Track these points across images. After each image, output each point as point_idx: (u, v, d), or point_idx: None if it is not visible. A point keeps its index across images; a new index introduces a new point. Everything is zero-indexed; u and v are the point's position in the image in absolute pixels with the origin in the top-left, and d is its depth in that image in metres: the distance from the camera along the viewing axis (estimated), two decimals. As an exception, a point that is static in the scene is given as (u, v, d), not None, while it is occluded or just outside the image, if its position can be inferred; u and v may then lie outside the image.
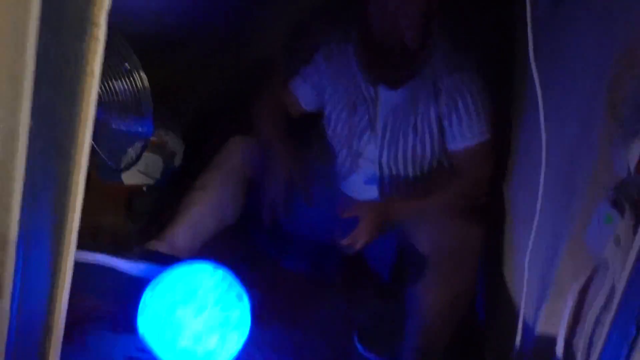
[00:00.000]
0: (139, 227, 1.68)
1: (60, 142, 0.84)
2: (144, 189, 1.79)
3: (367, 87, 1.59)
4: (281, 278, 1.62)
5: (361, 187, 1.66)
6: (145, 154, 1.81)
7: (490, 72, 1.61)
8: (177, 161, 1.87)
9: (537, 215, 1.09)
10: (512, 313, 1.23)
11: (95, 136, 1.43)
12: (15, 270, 0.81)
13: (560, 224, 1.07)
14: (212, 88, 1.99)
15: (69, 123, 0.83)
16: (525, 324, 1.14)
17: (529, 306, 1.14)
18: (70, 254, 0.92)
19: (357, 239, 1.52)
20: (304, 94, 1.69)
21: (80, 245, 1.02)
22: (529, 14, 1.04)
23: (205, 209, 1.54)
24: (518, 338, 1.14)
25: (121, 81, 1.38)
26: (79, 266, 1.25)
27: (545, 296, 1.09)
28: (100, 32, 0.80)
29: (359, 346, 1.45)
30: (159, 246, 1.46)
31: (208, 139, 1.84)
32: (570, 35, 1.18)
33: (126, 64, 1.37)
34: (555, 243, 1.08)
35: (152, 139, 1.81)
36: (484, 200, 1.58)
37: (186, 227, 1.51)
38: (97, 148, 1.45)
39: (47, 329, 0.92)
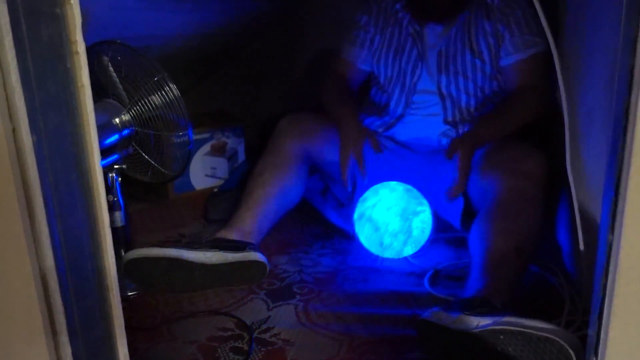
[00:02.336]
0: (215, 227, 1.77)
1: (73, 152, 0.93)
2: (215, 190, 1.90)
3: (413, 24, 1.63)
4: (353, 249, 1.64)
5: (422, 130, 1.65)
6: (210, 158, 1.93)
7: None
8: (240, 158, 1.96)
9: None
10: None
11: (148, 150, 1.55)
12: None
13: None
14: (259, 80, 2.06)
15: (76, 133, 0.93)
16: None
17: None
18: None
19: (465, 174, 1.48)
20: (357, 55, 1.74)
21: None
22: None
23: (266, 192, 1.56)
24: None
25: (155, 95, 1.47)
26: (151, 261, 1.38)
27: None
28: (80, 48, 0.89)
29: (427, 286, 1.43)
30: (227, 234, 1.50)
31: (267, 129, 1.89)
32: None
33: (155, 78, 1.46)
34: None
35: (212, 142, 1.92)
36: (546, 112, 1.53)
37: (250, 212, 1.53)
38: (151, 161, 1.56)
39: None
